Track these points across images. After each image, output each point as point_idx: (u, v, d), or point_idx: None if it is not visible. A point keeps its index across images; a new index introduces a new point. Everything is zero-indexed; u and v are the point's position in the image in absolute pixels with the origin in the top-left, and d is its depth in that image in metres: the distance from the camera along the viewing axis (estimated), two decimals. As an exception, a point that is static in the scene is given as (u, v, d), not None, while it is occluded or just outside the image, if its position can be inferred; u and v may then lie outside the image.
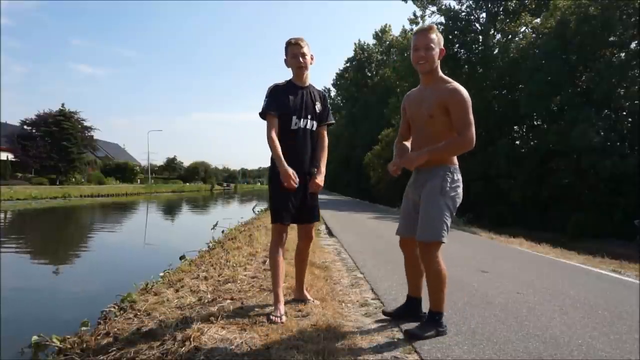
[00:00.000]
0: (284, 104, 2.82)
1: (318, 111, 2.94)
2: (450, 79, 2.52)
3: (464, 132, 2.39)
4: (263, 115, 2.84)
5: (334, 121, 3.14)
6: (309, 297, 3.17)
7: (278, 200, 2.84)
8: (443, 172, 2.49)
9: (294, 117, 2.84)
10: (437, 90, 2.48)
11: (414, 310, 2.81)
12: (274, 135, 2.78)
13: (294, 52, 2.84)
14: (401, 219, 2.77)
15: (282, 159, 2.74)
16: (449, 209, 2.48)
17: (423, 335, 2.47)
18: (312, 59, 2.91)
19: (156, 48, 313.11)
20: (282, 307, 2.77)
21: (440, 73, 2.54)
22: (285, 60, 2.92)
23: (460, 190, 2.54)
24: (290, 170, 2.72)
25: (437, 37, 2.48)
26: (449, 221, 2.47)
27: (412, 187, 2.66)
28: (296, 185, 2.73)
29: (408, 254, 2.77)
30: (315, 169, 2.93)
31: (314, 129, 2.93)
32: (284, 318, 2.68)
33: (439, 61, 2.51)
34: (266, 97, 2.86)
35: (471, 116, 2.41)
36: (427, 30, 2.49)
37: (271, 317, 2.68)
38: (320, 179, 2.88)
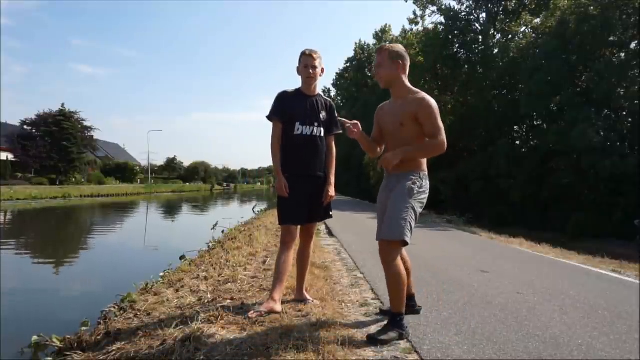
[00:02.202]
0: (288, 110, 2.96)
1: (323, 119, 3.03)
2: (417, 90, 2.65)
3: (437, 137, 2.52)
4: (269, 119, 3.01)
5: (341, 131, 3.20)
6: (308, 297, 3.20)
7: (286, 202, 2.92)
8: (413, 176, 2.58)
9: (297, 123, 2.94)
10: (407, 100, 2.61)
11: (408, 307, 2.85)
12: (276, 143, 2.96)
13: (306, 63, 2.96)
14: (380, 223, 2.78)
15: (280, 168, 2.94)
16: (415, 212, 2.53)
17: (385, 339, 2.42)
18: (322, 71, 3.03)
19: (156, 48, 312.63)
20: (271, 305, 2.78)
21: (408, 85, 2.67)
22: (298, 69, 3.02)
23: (425, 197, 2.62)
24: (284, 182, 2.89)
25: (389, 54, 2.61)
26: (413, 223, 2.50)
27: (384, 192, 2.73)
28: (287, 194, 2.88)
29: None
30: (323, 173, 3.04)
31: (322, 135, 3.02)
32: (262, 313, 2.70)
33: (402, 74, 2.64)
34: (273, 103, 3.01)
35: (440, 122, 2.54)
36: (378, 50, 2.69)
37: (251, 310, 2.75)
38: (331, 190, 3.04)
